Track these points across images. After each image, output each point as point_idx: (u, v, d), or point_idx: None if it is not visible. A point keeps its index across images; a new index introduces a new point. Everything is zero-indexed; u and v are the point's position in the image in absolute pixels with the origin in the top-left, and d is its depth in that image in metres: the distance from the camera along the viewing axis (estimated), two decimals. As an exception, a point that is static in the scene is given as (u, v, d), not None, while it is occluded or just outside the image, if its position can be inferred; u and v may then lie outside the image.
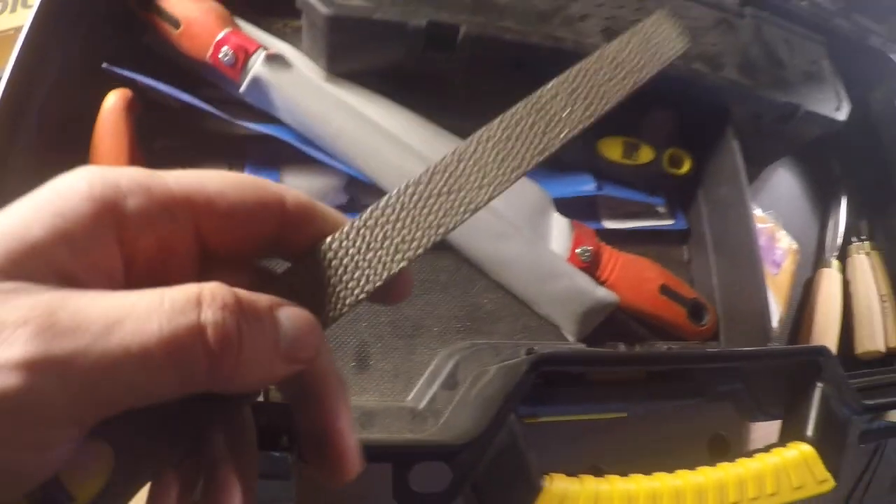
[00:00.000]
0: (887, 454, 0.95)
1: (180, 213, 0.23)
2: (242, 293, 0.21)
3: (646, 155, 0.60)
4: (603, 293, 0.54)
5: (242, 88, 0.52)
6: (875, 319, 0.67)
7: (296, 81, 0.53)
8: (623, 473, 0.47)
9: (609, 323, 0.57)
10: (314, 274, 0.26)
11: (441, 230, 0.26)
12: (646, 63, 0.31)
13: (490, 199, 0.27)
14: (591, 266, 0.56)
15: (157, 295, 0.19)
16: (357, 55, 0.54)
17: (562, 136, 0.29)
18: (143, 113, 0.51)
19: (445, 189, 0.27)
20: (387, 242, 0.26)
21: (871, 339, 0.66)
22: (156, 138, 0.54)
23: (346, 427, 0.25)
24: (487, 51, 0.53)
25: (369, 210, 0.26)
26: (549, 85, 0.29)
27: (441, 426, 0.50)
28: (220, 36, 0.51)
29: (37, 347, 0.17)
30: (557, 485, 0.43)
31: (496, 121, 0.28)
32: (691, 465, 0.48)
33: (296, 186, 0.54)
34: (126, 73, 0.49)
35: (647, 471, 0.48)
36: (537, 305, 0.56)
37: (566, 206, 0.58)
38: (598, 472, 0.62)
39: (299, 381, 0.24)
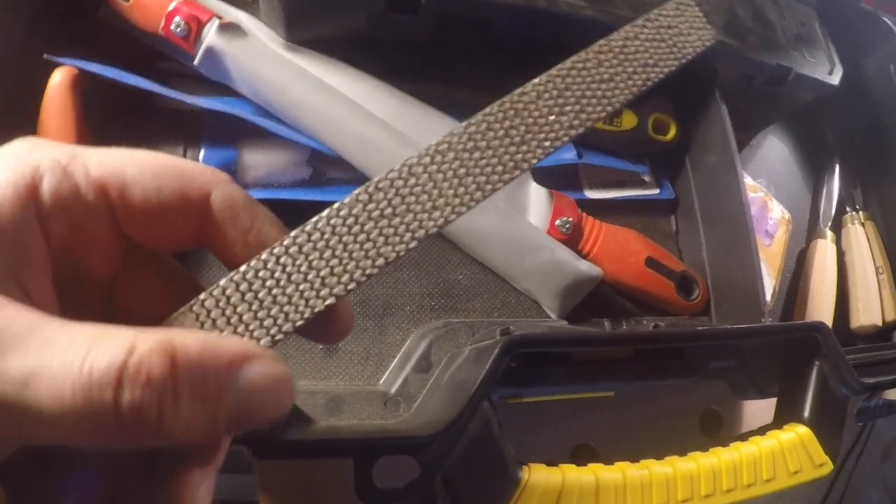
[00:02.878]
0: (878, 425, 0.90)
1: (94, 198, 0.20)
2: (194, 349, 0.17)
3: (629, 120, 0.53)
4: (585, 266, 0.48)
5: (196, 60, 0.46)
6: (871, 292, 0.60)
7: (252, 50, 0.47)
8: (609, 458, 0.42)
9: (593, 298, 0.50)
10: (223, 308, 0.21)
11: (380, 261, 0.21)
12: (661, 58, 0.25)
13: (444, 223, 0.21)
14: (572, 238, 0.49)
15: (78, 356, 0.16)
16: (316, 21, 0.48)
17: (543, 147, 0.23)
18: (95, 92, 0.45)
19: (389, 211, 0.21)
20: (311, 274, 0.21)
21: (868, 313, 0.60)
22: (108, 117, 0.47)
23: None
24: (454, 12, 0.47)
25: (292, 234, 0.21)
26: (534, 81, 0.23)
27: (414, 411, 0.44)
28: (171, 7, 0.45)
29: None
30: (537, 476, 0.37)
31: (460, 126, 0.22)
32: (684, 442, 0.43)
33: (256, 162, 0.48)
34: (68, 61, 0.43)
35: (638, 449, 0.42)
36: (516, 281, 0.49)
37: (546, 176, 0.51)
38: (588, 451, 0.57)
39: None
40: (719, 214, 0.53)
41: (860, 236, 0.62)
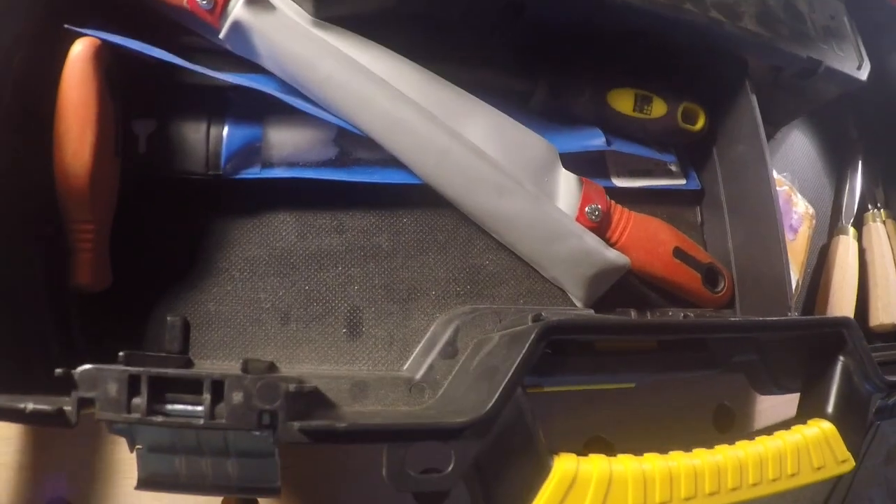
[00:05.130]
0: (882, 428, 0.89)
1: None
2: None
3: (658, 108, 0.52)
4: (614, 255, 0.47)
5: (222, 35, 0.45)
6: (891, 291, 0.60)
7: (280, 26, 0.45)
8: (635, 449, 0.40)
9: (619, 287, 0.49)
10: None
11: None
12: None
13: None
14: (600, 226, 0.48)
15: None
16: (346, -4, 0.46)
17: None
18: (117, 64, 0.43)
19: None
20: None
21: (887, 312, 0.59)
22: (130, 90, 0.46)
23: None
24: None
25: None
26: None
27: (440, 398, 0.43)
28: (196, -21, 0.44)
29: None
30: (567, 465, 0.36)
31: None
32: (696, 436, 0.43)
33: (281, 140, 0.47)
34: (90, 32, 0.42)
35: (652, 441, 0.41)
36: (542, 268, 0.48)
37: (573, 162, 0.50)
38: (603, 445, 0.56)
39: None
40: (746, 206, 0.52)
41: (881, 234, 0.61)
